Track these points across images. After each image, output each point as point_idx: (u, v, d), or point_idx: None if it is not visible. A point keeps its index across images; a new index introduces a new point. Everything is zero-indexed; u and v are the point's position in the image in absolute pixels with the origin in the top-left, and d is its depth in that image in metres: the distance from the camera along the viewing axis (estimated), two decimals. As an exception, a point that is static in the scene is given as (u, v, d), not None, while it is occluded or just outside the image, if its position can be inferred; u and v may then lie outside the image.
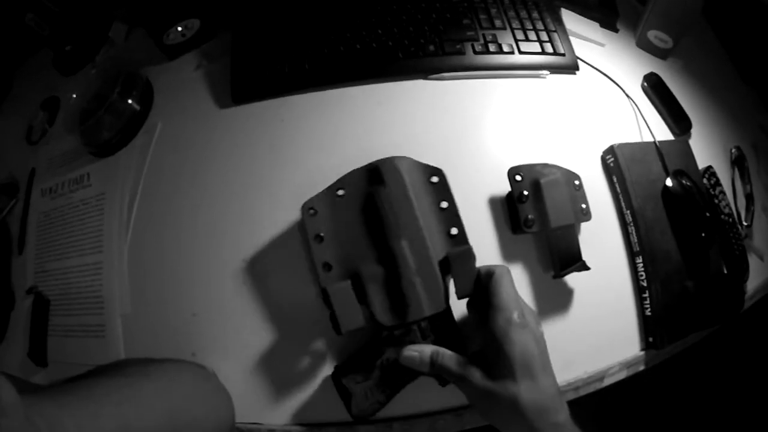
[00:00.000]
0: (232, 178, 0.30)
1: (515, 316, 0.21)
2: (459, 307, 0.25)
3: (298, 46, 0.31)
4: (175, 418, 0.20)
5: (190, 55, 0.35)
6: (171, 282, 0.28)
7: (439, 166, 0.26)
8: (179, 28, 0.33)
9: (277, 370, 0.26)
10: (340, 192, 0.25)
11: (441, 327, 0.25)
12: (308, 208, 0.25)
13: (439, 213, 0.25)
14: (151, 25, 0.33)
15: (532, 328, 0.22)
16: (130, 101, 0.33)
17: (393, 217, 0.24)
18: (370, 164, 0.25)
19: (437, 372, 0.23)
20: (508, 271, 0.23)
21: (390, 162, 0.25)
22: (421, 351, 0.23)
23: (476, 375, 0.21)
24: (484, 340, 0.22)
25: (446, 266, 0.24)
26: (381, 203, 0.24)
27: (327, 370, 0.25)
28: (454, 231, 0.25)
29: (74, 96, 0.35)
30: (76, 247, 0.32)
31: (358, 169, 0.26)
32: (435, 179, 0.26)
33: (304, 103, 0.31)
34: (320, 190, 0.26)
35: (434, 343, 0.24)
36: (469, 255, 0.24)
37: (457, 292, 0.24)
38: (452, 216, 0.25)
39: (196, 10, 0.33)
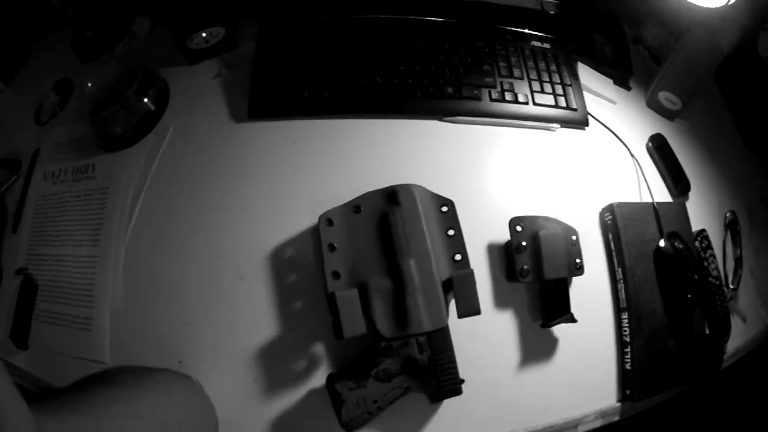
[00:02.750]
0: (238, 194, 0.29)
1: None
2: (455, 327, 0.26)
3: (319, 71, 0.31)
4: (166, 429, 0.20)
5: (211, 62, 0.34)
6: (166, 288, 0.28)
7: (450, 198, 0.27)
8: (203, 34, 0.33)
9: (265, 387, 0.26)
10: (357, 208, 0.27)
11: (438, 344, 0.26)
12: (326, 218, 0.26)
13: (446, 239, 0.27)
14: (176, 27, 0.33)
15: None
16: (146, 100, 0.33)
17: (404, 236, 0.25)
18: (389, 187, 0.27)
19: None
20: None
21: (407, 187, 0.27)
22: None
23: None
24: None
25: (449, 287, 0.25)
26: (394, 222, 0.26)
27: (313, 385, 0.26)
28: (458, 257, 0.26)
29: (89, 85, 0.34)
30: (73, 236, 0.32)
31: (376, 190, 0.27)
32: (445, 209, 0.28)
33: (319, 128, 0.31)
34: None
35: (429, 358, 0.25)
36: (471, 278, 0.25)
37: (458, 312, 0.25)
38: (457, 243, 0.27)
39: (222, 19, 0.33)
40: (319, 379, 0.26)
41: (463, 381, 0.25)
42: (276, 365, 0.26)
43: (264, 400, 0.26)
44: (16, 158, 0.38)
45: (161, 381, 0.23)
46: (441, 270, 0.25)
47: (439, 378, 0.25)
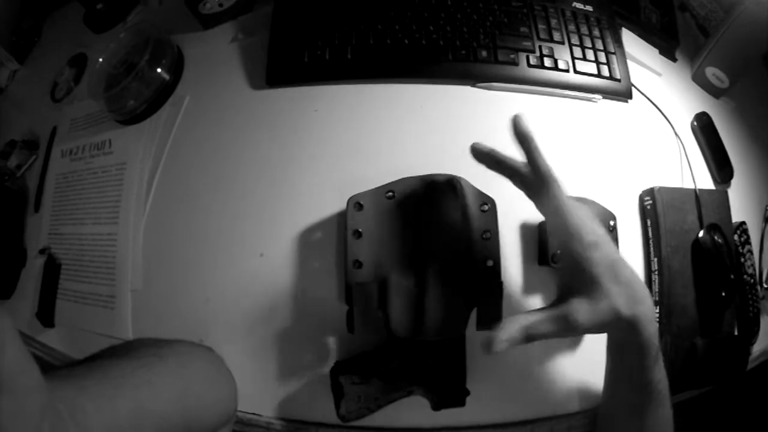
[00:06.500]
0: (257, 166, 0.27)
1: (589, 237, 0.20)
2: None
3: (342, 32, 0.27)
4: (185, 400, 0.19)
5: (226, 27, 0.31)
6: (186, 265, 0.26)
7: (491, 195, 0.24)
8: (217, -3, 0.29)
9: (284, 366, 0.24)
10: (390, 194, 0.23)
11: (450, 353, 0.23)
12: (355, 202, 0.23)
13: (481, 242, 0.23)
14: (187, -11, 0.29)
15: (604, 240, 0.20)
16: (159, 70, 0.29)
17: (435, 235, 0.22)
18: (429, 176, 0.24)
19: (534, 340, 0.19)
20: (560, 188, 0.21)
21: (448, 180, 0.23)
22: (508, 338, 0.19)
23: (581, 312, 0.19)
24: (565, 271, 0.21)
25: (474, 295, 0.22)
26: (428, 216, 0.23)
27: (325, 370, 0.24)
28: (490, 263, 0.23)
29: (100, 60, 0.31)
30: (92, 214, 0.30)
31: (414, 177, 0.24)
32: (485, 207, 0.24)
33: (341, 95, 0.27)
34: (348, 191, 0.23)
35: (439, 366, 0.23)
36: (499, 290, 0.22)
37: (478, 323, 0.22)
38: (492, 248, 0.23)
39: (236, -21, 0.29)
40: (332, 363, 0.24)
41: (468, 393, 0.23)
42: (295, 346, 0.24)
43: (283, 379, 0.24)
44: (35, 139, 0.36)
45: (182, 352, 0.21)
46: (469, 275, 0.22)
47: (445, 388, 0.22)
